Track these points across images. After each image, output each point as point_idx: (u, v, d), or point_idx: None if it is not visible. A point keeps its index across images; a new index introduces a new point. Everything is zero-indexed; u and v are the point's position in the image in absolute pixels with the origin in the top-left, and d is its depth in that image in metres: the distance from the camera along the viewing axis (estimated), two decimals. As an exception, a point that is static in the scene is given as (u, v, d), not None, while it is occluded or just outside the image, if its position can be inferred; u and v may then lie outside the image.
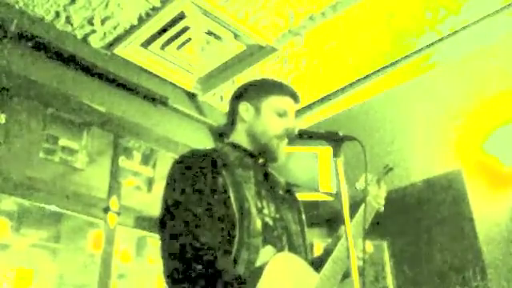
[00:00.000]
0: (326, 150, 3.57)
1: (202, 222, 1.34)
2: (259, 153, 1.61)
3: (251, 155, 1.60)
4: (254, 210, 1.44)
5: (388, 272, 3.38)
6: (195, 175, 1.44)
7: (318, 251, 3.27)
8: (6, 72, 2.91)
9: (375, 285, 3.36)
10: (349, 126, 3.15)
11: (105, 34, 3.29)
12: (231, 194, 1.42)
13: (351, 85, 3.81)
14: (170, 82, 3.77)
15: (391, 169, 1.70)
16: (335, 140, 1.45)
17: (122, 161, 3.69)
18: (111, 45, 3.37)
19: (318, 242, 3.37)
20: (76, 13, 3.11)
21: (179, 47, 3.47)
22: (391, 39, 3.42)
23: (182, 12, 3.15)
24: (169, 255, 1.36)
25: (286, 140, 1.62)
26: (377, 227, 1.68)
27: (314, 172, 3.59)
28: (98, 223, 4.13)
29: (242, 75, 3.66)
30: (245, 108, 1.63)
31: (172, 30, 3.30)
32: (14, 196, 3.84)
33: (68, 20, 3.16)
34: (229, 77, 3.74)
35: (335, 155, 1.44)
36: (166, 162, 3.78)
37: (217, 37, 3.39)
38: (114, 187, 3.49)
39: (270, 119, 1.60)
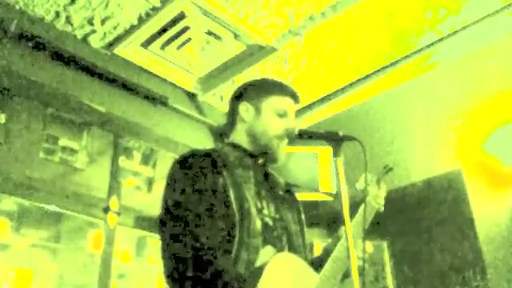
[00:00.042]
0: (326, 150, 3.57)
1: (202, 222, 1.34)
2: (259, 153, 1.61)
3: (251, 155, 1.60)
4: (253, 210, 1.44)
5: (388, 272, 3.38)
6: (195, 175, 1.44)
7: (317, 251, 3.27)
8: (5, 72, 2.91)
9: (375, 285, 3.36)
10: (349, 126, 3.15)
11: (105, 33, 3.29)
12: (231, 194, 1.42)
13: (351, 85, 3.81)
14: (170, 82, 3.77)
15: (391, 169, 1.70)
16: (335, 140, 1.45)
17: (122, 161, 3.69)
18: (111, 45, 3.37)
19: (318, 241, 3.37)
20: (76, 13, 3.11)
21: (179, 47, 3.47)
22: (391, 39, 3.42)
23: (182, 12, 3.15)
24: (169, 255, 1.36)
25: (286, 140, 1.62)
26: (377, 227, 1.68)
27: (314, 172, 3.59)
28: (97, 223, 4.13)
29: (241, 75, 3.66)
30: (245, 108, 1.63)
31: (172, 30, 3.30)
32: (14, 196, 3.84)
33: (68, 20, 3.16)
34: (229, 77, 3.74)
35: (335, 155, 1.44)
36: (166, 161, 3.78)
37: (217, 37, 3.39)
38: (113, 187, 3.49)
39: (270, 119, 1.60)
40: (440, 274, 3.20)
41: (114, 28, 3.25)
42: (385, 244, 3.45)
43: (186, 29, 3.30)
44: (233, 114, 1.67)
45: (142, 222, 3.98)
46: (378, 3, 3.13)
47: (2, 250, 4.76)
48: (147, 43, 3.39)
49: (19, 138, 3.25)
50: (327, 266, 1.43)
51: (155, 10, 3.12)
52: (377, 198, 1.63)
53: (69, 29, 3.22)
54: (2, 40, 2.89)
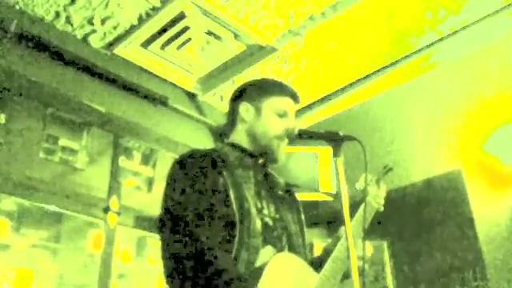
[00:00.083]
0: (326, 150, 3.57)
1: (202, 222, 1.34)
2: (259, 153, 1.61)
3: (251, 155, 1.60)
4: (253, 210, 1.44)
5: (388, 272, 3.38)
6: (195, 175, 1.44)
7: (317, 251, 3.27)
8: (5, 72, 2.91)
9: (375, 285, 3.36)
10: (349, 126, 3.16)
11: (105, 33, 3.30)
12: (231, 194, 1.42)
13: (351, 85, 3.81)
14: (170, 82, 3.77)
15: (391, 169, 1.70)
16: (335, 140, 1.45)
17: (122, 161, 3.69)
18: (111, 45, 3.37)
19: (317, 242, 3.37)
20: (76, 13, 3.11)
21: (179, 47, 3.47)
22: (391, 39, 3.42)
23: (182, 12, 3.15)
24: (169, 255, 1.36)
25: (286, 140, 1.62)
26: (377, 227, 1.68)
27: (314, 172, 3.59)
28: (98, 223, 4.13)
29: (241, 75, 3.66)
30: (245, 108, 1.63)
31: (172, 30, 3.30)
32: (14, 196, 3.84)
33: (68, 20, 3.16)
34: (229, 77, 3.74)
35: (335, 155, 1.44)
36: (166, 161, 3.78)
37: (217, 37, 3.39)
38: (113, 187, 3.50)
39: (270, 120, 1.60)
40: (440, 274, 3.20)
41: (114, 28, 3.25)
42: (385, 244, 3.44)
43: (186, 29, 3.30)
44: (233, 114, 1.67)
45: (142, 222, 3.98)
46: (377, 3, 3.13)
47: (2, 250, 4.76)
48: (147, 43, 3.39)
49: (19, 137, 3.25)
50: (327, 266, 1.43)
51: (155, 9, 3.12)
52: (376, 198, 1.63)
53: (69, 29, 3.22)
54: (1, 40, 2.89)
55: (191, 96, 3.93)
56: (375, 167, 1.66)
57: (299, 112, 3.05)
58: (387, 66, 3.61)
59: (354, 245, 1.31)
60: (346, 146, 1.45)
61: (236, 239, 1.36)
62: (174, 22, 3.22)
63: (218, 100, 3.99)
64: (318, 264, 1.47)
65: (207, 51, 3.53)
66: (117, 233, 3.42)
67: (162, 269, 1.37)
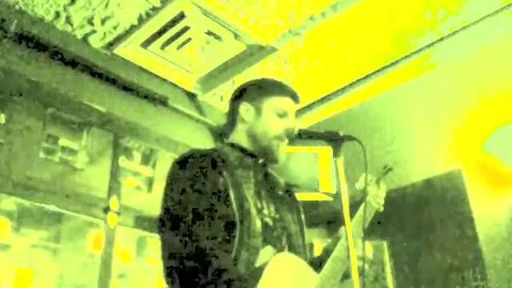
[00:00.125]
0: (326, 149, 3.57)
1: (202, 222, 1.34)
2: (259, 153, 1.61)
3: (251, 155, 1.60)
4: (253, 211, 1.44)
5: (388, 272, 3.38)
6: (195, 175, 1.44)
7: (317, 251, 3.27)
8: (5, 72, 2.91)
9: (375, 285, 3.36)
10: (349, 126, 3.16)
11: (105, 33, 3.30)
12: (231, 194, 1.42)
13: (351, 85, 3.81)
14: (170, 82, 3.77)
15: (391, 169, 1.70)
16: (335, 140, 1.45)
17: (122, 161, 3.69)
18: (111, 45, 3.37)
19: (318, 242, 3.37)
20: (76, 13, 3.11)
21: (179, 47, 3.47)
22: (391, 39, 3.42)
23: (182, 12, 3.15)
24: (169, 255, 1.36)
25: (286, 140, 1.62)
26: (377, 227, 1.68)
27: (313, 172, 3.59)
28: (98, 223, 4.13)
29: (241, 75, 3.66)
30: (245, 108, 1.63)
31: (172, 30, 3.30)
32: (14, 196, 3.84)
33: (68, 20, 3.16)
34: (229, 77, 3.74)
35: (335, 155, 1.44)
36: (166, 161, 3.78)
37: (217, 37, 3.39)
38: (113, 187, 3.50)
39: (270, 120, 1.60)
40: (440, 274, 3.20)
41: (114, 28, 3.25)
42: (385, 244, 3.44)
43: (186, 29, 3.30)
44: (233, 114, 1.67)
45: (142, 222, 3.98)
46: (378, 3, 3.13)
47: (2, 250, 4.76)
48: (147, 43, 3.39)
49: (19, 137, 3.25)
50: (327, 266, 1.43)
51: (155, 9, 3.12)
52: (376, 198, 1.64)
53: (69, 29, 3.22)
54: (1, 40, 2.89)
55: (191, 96, 3.93)
56: (375, 167, 1.66)
57: (299, 112, 3.05)
58: (387, 66, 3.61)
59: (353, 245, 1.31)
60: (346, 146, 1.45)
61: (236, 239, 1.36)
62: (174, 22, 3.22)
63: (218, 100, 3.99)
64: (317, 264, 1.47)
65: (207, 51, 3.53)
66: (117, 233, 3.42)
67: (162, 269, 1.37)
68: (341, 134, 1.46)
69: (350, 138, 1.47)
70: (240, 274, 1.31)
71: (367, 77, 3.72)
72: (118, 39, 3.33)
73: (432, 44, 3.41)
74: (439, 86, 3.51)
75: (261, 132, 1.60)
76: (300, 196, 1.76)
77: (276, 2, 3.11)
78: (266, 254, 1.41)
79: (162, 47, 3.45)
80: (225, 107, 1.87)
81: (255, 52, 3.53)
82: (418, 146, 3.57)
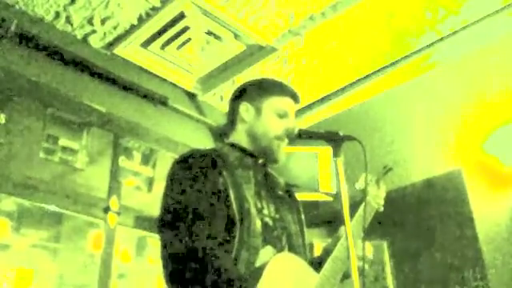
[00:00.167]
0: (326, 150, 3.57)
1: (202, 222, 1.34)
2: (259, 153, 1.61)
3: (251, 155, 1.60)
4: (253, 211, 1.44)
5: (388, 272, 3.38)
6: (195, 175, 1.44)
7: (317, 251, 3.27)
8: (5, 72, 2.91)
9: (375, 285, 3.36)
10: (349, 126, 3.15)
11: (105, 33, 3.30)
12: (231, 194, 1.42)
13: (351, 85, 3.81)
14: (170, 82, 3.77)
15: (390, 169, 1.70)
16: (335, 140, 1.45)
17: (122, 161, 3.69)
18: (111, 45, 3.37)
19: (318, 242, 3.37)
20: (76, 13, 3.11)
21: (179, 47, 3.47)
22: (391, 39, 3.42)
23: (182, 12, 3.15)
24: (169, 255, 1.35)
25: (286, 140, 1.62)
26: (377, 227, 1.68)
27: (313, 172, 3.59)
28: (98, 223, 4.13)
29: (241, 75, 3.66)
30: (245, 108, 1.63)
31: (172, 30, 3.30)
32: (14, 196, 3.84)
33: (68, 20, 3.16)
34: (229, 77, 3.74)
35: (335, 155, 1.44)
36: (166, 161, 3.78)
37: (217, 37, 3.39)
38: (114, 187, 3.50)
39: (270, 120, 1.60)
40: (440, 274, 3.20)
41: (114, 28, 3.25)
42: (385, 244, 3.44)
43: (186, 29, 3.30)
44: (233, 114, 1.67)
45: (142, 222, 3.98)
46: (378, 3, 3.13)
47: (2, 250, 4.76)
48: (147, 43, 3.39)
49: (19, 137, 3.25)
50: (327, 265, 1.43)
51: (155, 9, 3.12)
52: (376, 198, 1.64)
53: (69, 29, 3.22)
54: (1, 40, 2.89)
55: (191, 96, 3.93)
56: (375, 167, 1.66)
57: (299, 112, 3.05)
58: (387, 66, 3.61)
59: (353, 245, 1.31)
60: (346, 146, 1.45)
61: (236, 239, 1.36)
62: (173, 21, 3.22)
63: (218, 100, 3.99)
64: (317, 264, 1.47)
65: (207, 51, 3.53)
66: (117, 233, 3.42)
67: (162, 269, 1.37)
68: (341, 133, 1.46)
69: (349, 138, 1.47)
70: (240, 273, 1.31)
71: (367, 77, 3.72)
72: (118, 39, 3.32)
73: (432, 44, 3.41)
74: (439, 86, 3.51)
75: (261, 132, 1.60)
76: (300, 196, 1.76)
77: (276, 2, 3.11)
78: (266, 253, 1.41)
79: (162, 47, 3.45)
80: (225, 107, 1.87)
81: (255, 52, 3.53)
82: (418, 146, 3.57)
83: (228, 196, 1.42)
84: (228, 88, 3.79)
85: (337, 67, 3.70)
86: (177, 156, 1.54)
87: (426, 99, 3.57)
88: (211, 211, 1.37)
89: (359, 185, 1.62)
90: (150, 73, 3.64)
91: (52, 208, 4.01)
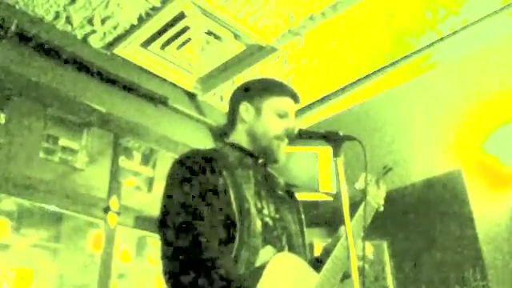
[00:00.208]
0: (326, 149, 3.57)
1: (202, 222, 1.34)
2: (259, 153, 1.60)
3: (251, 155, 1.60)
4: (253, 210, 1.44)
5: (388, 272, 3.38)
6: (195, 175, 1.43)
7: (317, 251, 3.27)
8: (5, 72, 2.91)
9: (375, 285, 3.36)
10: (349, 126, 3.15)
11: (105, 33, 3.29)
12: (231, 194, 1.42)
13: (351, 85, 3.81)
14: (170, 82, 3.77)
15: (391, 169, 1.70)
16: (335, 140, 1.45)
17: (122, 161, 3.69)
18: (111, 45, 3.37)
19: (318, 241, 3.37)
20: (76, 13, 3.11)
21: (179, 47, 3.47)
22: (391, 39, 3.42)
23: (182, 12, 3.15)
24: (168, 255, 1.35)
25: (286, 140, 1.62)
26: (377, 227, 1.68)
27: (313, 172, 3.59)
28: (98, 223, 4.13)
29: (241, 75, 3.66)
30: (245, 108, 1.63)
31: (172, 30, 3.30)
32: (14, 196, 3.84)
33: (68, 20, 3.16)
34: (229, 77, 3.74)
35: (335, 155, 1.44)
36: (166, 161, 3.78)
37: (217, 37, 3.39)
38: (114, 187, 3.50)
39: (270, 120, 1.60)
40: (440, 274, 3.20)
41: (114, 28, 3.25)
42: (385, 244, 3.44)
43: (186, 29, 3.30)
44: (233, 113, 1.67)
45: (142, 222, 3.98)
46: (378, 3, 3.13)
47: (2, 250, 4.76)
48: (147, 43, 3.39)
49: (19, 137, 3.25)
50: (327, 265, 1.43)
51: (155, 9, 3.12)
52: (376, 198, 1.64)
53: (69, 29, 3.22)
54: (1, 40, 2.89)
55: (191, 96, 3.93)
56: (375, 167, 1.66)
57: (299, 112, 3.05)
58: (387, 66, 3.61)
59: (353, 245, 1.31)
60: (346, 146, 1.45)
61: (236, 239, 1.36)
62: (174, 21, 3.22)
63: (218, 100, 3.99)
64: (317, 264, 1.47)
65: (207, 51, 3.53)
66: (117, 233, 3.42)
67: (162, 269, 1.37)
68: (341, 133, 1.46)
69: (349, 138, 1.47)
70: (240, 274, 1.31)
71: (367, 77, 3.72)
72: (118, 39, 3.33)
73: (432, 44, 3.41)
74: (439, 85, 3.51)
75: (261, 132, 1.60)
76: (300, 196, 1.76)
77: (276, 2, 3.11)
78: (265, 253, 1.41)
79: (162, 47, 3.45)
80: (225, 107, 1.87)
81: (255, 52, 3.53)
82: (418, 146, 3.57)
83: (228, 196, 1.41)
84: (228, 88, 3.79)
85: (337, 67, 3.70)
86: (177, 156, 1.54)
87: (425, 99, 3.58)
88: (211, 211, 1.37)
89: (359, 185, 1.62)
90: (150, 73, 3.64)
91: (52, 208, 4.01)
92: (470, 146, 3.30)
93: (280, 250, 1.49)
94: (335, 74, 3.77)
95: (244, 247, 1.37)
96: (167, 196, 1.45)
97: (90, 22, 3.18)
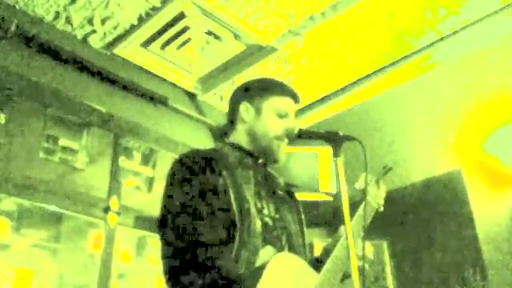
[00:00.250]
0: (326, 149, 3.57)
1: (202, 222, 1.34)
2: (259, 153, 1.60)
3: (251, 155, 1.60)
4: (253, 210, 1.44)
5: (388, 272, 3.38)
6: (195, 175, 1.43)
7: (318, 251, 3.27)
8: (6, 72, 2.91)
9: (375, 285, 3.36)
10: (349, 126, 3.16)
11: (105, 33, 3.30)
12: (231, 194, 1.42)
13: (351, 85, 3.81)
14: (170, 82, 3.77)
15: (391, 169, 1.70)
16: (335, 140, 1.46)
17: (122, 161, 3.69)
18: (111, 45, 3.37)
19: (318, 241, 3.37)
20: (76, 13, 3.11)
21: (179, 47, 3.47)
22: (391, 39, 3.42)
23: (182, 12, 3.15)
24: (169, 255, 1.35)
25: (286, 140, 1.62)
26: (377, 227, 1.68)
27: (313, 172, 3.59)
28: (98, 223, 4.12)
29: (241, 75, 3.66)
30: (245, 108, 1.63)
31: (172, 30, 3.30)
32: (14, 196, 3.83)
33: (68, 20, 3.16)
34: (229, 77, 3.74)
35: (335, 155, 1.44)
36: (166, 161, 3.78)
37: (217, 37, 3.39)
38: (114, 187, 3.50)
39: (270, 120, 1.60)
40: (440, 274, 3.20)
41: (114, 28, 3.25)
42: (385, 244, 3.44)
43: (186, 29, 3.30)
44: (233, 113, 1.67)
45: (142, 222, 3.98)
46: (378, 3, 3.13)
47: (2, 250, 4.75)
48: (147, 43, 3.39)
49: (19, 137, 3.25)
50: (327, 265, 1.43)
51: (155, 9, 3.12)
52: (376, 198, 1.64)
53: (69, 29, 3.22)
54: (1, 40, 2.89)
55: (191, 96, 3.93)
56: (375, 167, 1.66)
57: (299, 112, 3.05)
58: (387, 66, 3.61)
59: (353, 244, 1.31)
60: (346, 146, 1.45)
61: (236, 239, 1.36)
62: (174, 21, 3.22)
63: (218, 100, 3.99)
64: (317, 264, 1.47)
65: (207, 51, 3.53)
66: (117, 233, 3.42)
67: (162, 269, 1.37)
68: (341, 133, 1.46)
69: (349, 138, 1.47)
70: (240, 274, 1.31)
71: (367, 77, 3.72)
72: (118, 39, 3.33)
73: (432, 44, 3.41)
74: (439, 86, 3.51)
75: (261, 132, 1.60)
76: (300, 196, 1.76)
77: (276, 2, 3.11)
78: (265, 253, 1.41)
79: (162, 47, 3.45)
80: (225, 107, 1.87)
81: (255, 52, 3.53)
82: (418, 146, 3.57)
83: (228, 196, 1.41)
84: (228, 88, 3.79)
85: (337, 67, 3.70)
86: (177, 156, 1.54)
87: (425, 99, 3.58)
88: (211, 211, 1.37)
89: (359, 185, 1.62)
90: (150, 73, 3.64)
91: (52, 208, 4.01)
92: (470, 145, 3.30)
93: (280, 249, 1.49)
94: (335, 74, 3.77)
95: (244, 247, 1.37)
96: (167, 196, 1.45)
97: (90, 22, 3.19)
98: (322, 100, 3.96)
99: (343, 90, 3.86)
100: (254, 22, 3.26)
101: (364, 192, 1.58)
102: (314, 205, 3.56)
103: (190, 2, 3.06)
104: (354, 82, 3.79)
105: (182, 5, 3.08)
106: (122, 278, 5.22)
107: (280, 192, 1.65)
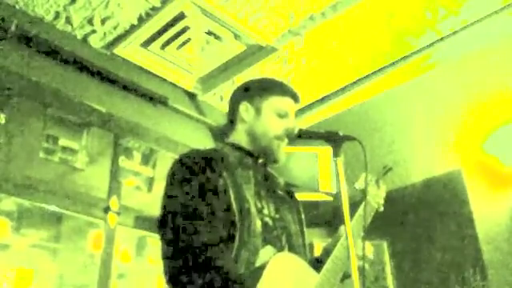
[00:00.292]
0: (326, 149, 3.57)
1: (202, 222, 1.34)
2: (259, 153, 1.60)
3: (251, 155, 1.60)
4: (253, 210, 1.44)
5: (388, 272, 3.38)
6: (195, 175, 1.43)
7: (318, 251, 3.27)
8: (6, 72, 2.91)
9: (375, 285, 3.36)
10: (349, 126, 3.16)
11: (105, 33, 3.30)
12: (231, 194, 1.42)
13: (351, 85, 3.81)
14: (170, 82, 3.77)
15: (390, 169, 1.71)
16: (335, 140, 1.45)
17: (122, 161, 3.69)
18: (111, 45, 3.37)
19: (318, 241, 3.37)
20: (76, 13, 3.11)
21: (179, 47, 3.47)
22: (391, 39, 3.42)
23: (182, 12, 3.15)
24: (169, 255, 1.35)
25: (286, 140, 1.62)
26: (377, 227, 1.68)
27: (313, 172, 3.59)
28: (97, 223, 4.13)
29: (241, 75, 3.66)
30: (245, 108, 1.63)
31: (172, 30, 3.30)
32: (14, 196, 3.84)
33: (68, 20, 3.16)
34: (229, 77, 3.74)
35: (335, 155, 1.44)
36: (166, 161, 3.78)
37: (217, 37, 3.39)
38: (114, 187, 3.50)
39: (270, 120, 1.60)
40: (440, 274, 3.20)
41: (114, 28, 3.25)
42: (385, 244, 3.44)
43: (186, 29, 3.30)
44: (233, 113, 1.67)
45: (142, 222, 3.98)
46: (378, 3, 3.13)
47: (2, 250, 4.76)
48: (147, 43, 3.39)
49: (19, 137, 3.25)
50: (327, 265, 1.43)
51: (155, 9, 3.12)
52: (376, 198, 1.64)
53: (69, 29, 3.22)
54: (1, 40, 2.89)
55: (191, 96, 3.93)
56: (375, 167, 1.66)
57: (299, 112, 3.05)
58: (387, 66, 3.61)
59: (353, 244, 1.31)
60: (346, 146, 1.45)
61: (236, 239, 1.36)
62: (174, 21, 3.22)
63: (217, 100, 3.99)
64: (317, 264, 1.47)
65: (207, 51, 3.53)
66: (117, 233, 3.42)
67: (162, 269, 1.37)
68: (341, 133, 1.46)
69: (349, 138, 1.47)
70: (240, 274, 1.31)
71: (367, 77, 3.72)
72: (118, 39, 3.33)
73: (432, 44, 3.42)
74: (439, 86, 3.52)
75: (261, 132, 1.60)
76: (300, 196, 1.76)
77: (276, 2, 3.11)
78: (265, 253, 1.41)
79: (162, 47, 3.45)
80: (225, 107, 1.87)
81: (255, 52, 3.53)
82: (417, 146, 3.57)
83: (228, 196, 1.41)
84: (228, 88, 3.79)
85: (337, 67, 3.70)
86: (177, 156, 1.54)
87: (426, 99, 3.58)
88: (211, 211, 1.37)
89: (359, 185, 1.62)
90: (150, 73, 3.64)
91: (52, 208, 4.01)
92: (470, 145, 3.30)
93: (280, 249, 1.49)
94: (335, 74, 3.77)
95: (244, 247, 1.37)
96: (167, 196, 1.45)
97: (90, 22, 3.19)
98: (322, 100, 3.96)
99: (343, 89, 3.86)
100: (254, 22, 3.26)
101: (364, 192, 1.58)
102: (314, 205, 3.56)
103: (190, 1, 3.06)
104: (354, 82, 3.79)
105: (181, 5, 3.08)
106: (121, 277, 5.23)
107: (280, 192, 1.65)
